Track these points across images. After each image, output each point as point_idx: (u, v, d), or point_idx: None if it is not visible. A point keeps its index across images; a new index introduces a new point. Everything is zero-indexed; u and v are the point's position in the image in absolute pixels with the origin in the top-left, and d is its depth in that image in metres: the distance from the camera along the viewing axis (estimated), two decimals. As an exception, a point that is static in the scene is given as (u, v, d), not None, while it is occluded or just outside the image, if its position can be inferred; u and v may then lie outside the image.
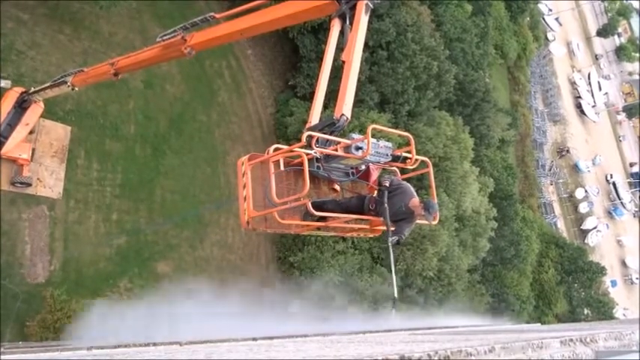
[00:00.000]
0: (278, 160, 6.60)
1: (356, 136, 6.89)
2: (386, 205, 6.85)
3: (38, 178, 16.16)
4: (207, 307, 15.84)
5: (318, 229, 7.37)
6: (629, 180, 63.45)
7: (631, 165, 65.33)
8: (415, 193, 7.16)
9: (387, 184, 7.11)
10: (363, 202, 7.25)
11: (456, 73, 26.54)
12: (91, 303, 15.92)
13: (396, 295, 7.78)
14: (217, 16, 9.17)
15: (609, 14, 67.75)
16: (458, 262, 25.30)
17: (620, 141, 66.50)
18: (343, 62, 6.99)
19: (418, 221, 7.29)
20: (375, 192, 7.28)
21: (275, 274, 21.96)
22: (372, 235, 8.22)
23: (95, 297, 16.79)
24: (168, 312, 15.49)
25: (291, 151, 6.59)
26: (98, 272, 17.26)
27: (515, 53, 43.35)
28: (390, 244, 6.95)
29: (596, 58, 67.15)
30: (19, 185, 15.62)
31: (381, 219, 7.27)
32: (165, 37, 10.12)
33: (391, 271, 7.31)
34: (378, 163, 7.21)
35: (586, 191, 54.23)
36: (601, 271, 40.29)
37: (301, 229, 7.38)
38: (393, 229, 6.89)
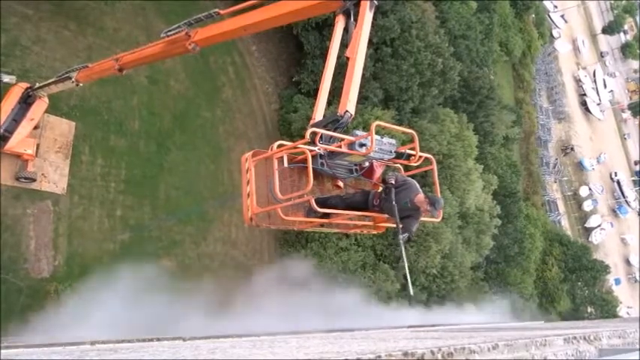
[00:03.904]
0: (282, 157, 6.60)
1: (360, 132, 6.89)
2: (394, 202, 6.84)
3: (43, 174, 16.20)
4: None
5: (322, 225, 7.37)
6: (633, 178, 63.24)
7: (636, 163, 65.10)
8: (420, 189, 7.15)
9: (393, 181, 7.09)
10: (367, 198, 7.24)
11: (461, 70, 26.46)
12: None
13: (412, 292, 7.87)
14: (222, 12, 9.17)
15: (615, 11, 67.44)
16: (461, 260, 25.29)
17: (625, 139, 66.27)
18: (347, 59, 6.98)
19: (423, 218, 7.29)
20: (380, 188, 7.27)
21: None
22: (375, 232, 8.23)
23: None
24: None
25: (295, 147, 6.59)
26: (102, 267, 17.29)
27: (520, 50, 43.16)
28: (401, 241, 6.97)
29: (601, 55, 66.86)
30: (23, 180, 15.66)
31: (385, 215, 7.29)
32: (169, 33, 10.12)
33: (405, 268, 7.33)
34: (382, 160, 7.21)
35: (590, 189, 54.08)
36: (605, 269, 40.22)
37: (305, 226, 7.39)
38: (401, 226, 6.90)
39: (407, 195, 7.00)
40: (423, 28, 24.08)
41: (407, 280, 8.17)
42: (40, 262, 15.93)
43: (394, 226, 7.69)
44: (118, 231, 17.87)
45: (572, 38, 61.64)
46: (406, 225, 6.97)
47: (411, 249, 22.69)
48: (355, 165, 7.42)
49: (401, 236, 6.91)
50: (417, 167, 7.86)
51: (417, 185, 7.17)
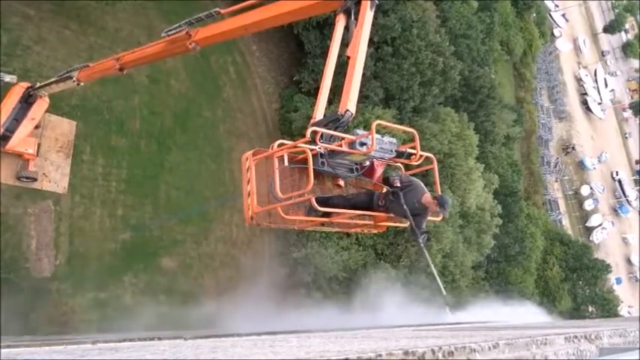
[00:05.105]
0: (282, 156, 6.59)
1: (360, 131, 6.88)
2: (405, 207, 6.85)
3: (44, 173, 16.22)
4: None
5: (322, 224, 7.37)
6: (634, 177, 63.19)
7: (637, 162, 65.06)
8: (425, 189, 7.15)
9: (398, 184, 7.08)
10: (372, 198, 7.24)
11: (462, 70, 26.43)
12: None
13: (444, 292, 7.95)
14: (222, 11, 9.17)
15: (616, 10, 67.40)
16: (462, 259, 25.27)
17: (626, 138, 66.25)
18: (348, 58, 6.98)
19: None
20: (385, 189, 7.26)
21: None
22: (376, 231, 8.23)
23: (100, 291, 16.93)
24: None
25: (296, 146, 6.59)
26: (103, 267, 17.32)
27: (521, 49, 43.12)
28: (422, 244, 7.02)
29: (602, 54, 66.82)
30: (24, 180, 15.67)
31: (388, 215, 7.30)
32: (170, 33, 10.13)
33: (433, 271, 7.41)
34: (383, 159, 7.20)
35: (591, 188, 54.03)
36: (606, 268, 40.16)
37: (305, 225, 7.39)
38: (412, 226, 6.94)
39: (414, 196, 7.01)
40: (424, 28, 24.05)
41: (437, 281, 8.24)
42: (42, 261, 15.95)
43: (395, 225, 7.72)
44: (119, 230, 17.89)
45: (573, 37, 61.57)
46: (418, 225, 7.00)
47: (412, 248, 22.70)
48: (356, 164, 7.41)
49: (420, 239, 6.97)
50: (418, 166, 7.86)
51: (422, 185, 7.18)
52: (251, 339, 5.48)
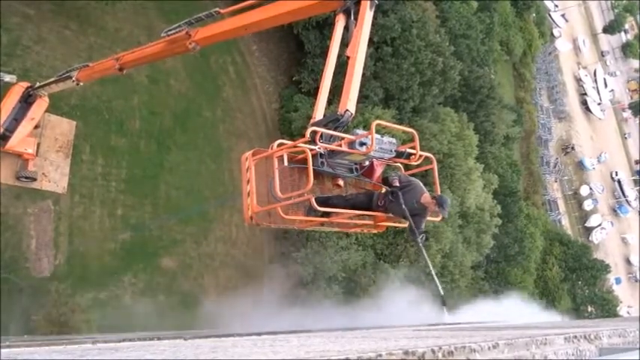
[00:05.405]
0: (282, 156, 6.59)
1: (360, 131, 6.89)
2: (404, 206, 6.85)
3: (43, 173, 16.21)
4: None
5: (322, 224, 7.37)
6: (634, 177, 63.20)
7: (636, 162, 65.08)
8: (425, 189, 7.15)
9: (397, 184, 7.08)
10: (371, 199, 7.24)
11: (461, 70, 26.44)
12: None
13: (442, 292, 7.93)
14: (222, 11, 9.18)
15: (616, 11, 67.40)
16: (461, 259, 25.29)
17: (626, 138, 66.26)
18: (348, 58, 6.98)
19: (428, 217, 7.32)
20: (384, 189, 7.26)
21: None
22: (375, 231, 8.24)
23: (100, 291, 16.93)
24: None
25: (295, 146, 6.59)
26: (103, 267, 17.32)
27: (521, 50, 43.16)
28: (420, 244, 7.03)
29: (602, 54, 66.83)
30: (24, 180, 15.67)
31: (387, 215, 7.30)
32: (169, 33, 10.13)
33: (431, 271, 7.40)
34: (382, 159, 7.20)
35: (591, 189, 54.05)
36: (605, 268, 40.21)
37: (305, 225, 7.40)
38: (411, 226, 6.95)
39: (413, 196, 7.02)
40: (424, 28, 24.06)
41: (435, 281, 8.25)
42: (41, 261, 15.95)
43: (395, 225, 7.72)
44: (119, 230, 17.88)
45: (573, 37, 61.58)
46: (417, 225, 7.01)
47: (411, 248, 22.70)
48: (355, 164, 7.41)
49: (419, 238, 6.97)
50: (418, 166, 7.86)
51: (421, 184, 7.18)
52: (251, 339, 5.48)
